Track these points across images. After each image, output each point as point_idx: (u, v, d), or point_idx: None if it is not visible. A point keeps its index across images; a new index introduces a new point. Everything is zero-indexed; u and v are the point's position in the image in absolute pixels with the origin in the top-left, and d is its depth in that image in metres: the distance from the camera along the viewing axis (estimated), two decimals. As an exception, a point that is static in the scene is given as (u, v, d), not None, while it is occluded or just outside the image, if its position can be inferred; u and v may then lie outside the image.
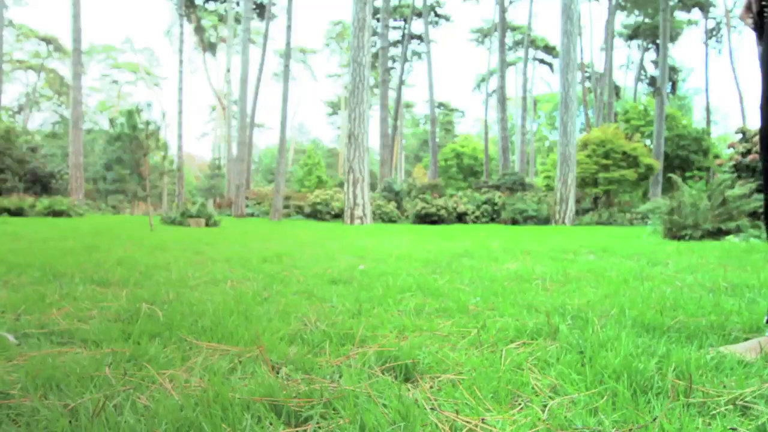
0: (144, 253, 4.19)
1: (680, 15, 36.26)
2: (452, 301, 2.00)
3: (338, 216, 21.37)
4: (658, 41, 36.52)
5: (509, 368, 1.15)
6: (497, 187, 24.28)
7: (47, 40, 42.03)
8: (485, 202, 21.32)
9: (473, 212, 20.83)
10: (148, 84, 50.63)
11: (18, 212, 16.65)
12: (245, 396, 0.95)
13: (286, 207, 23.75)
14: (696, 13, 36.63)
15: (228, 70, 31.17)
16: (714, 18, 36.23)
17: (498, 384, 1.05)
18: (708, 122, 33.38)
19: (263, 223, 16.09)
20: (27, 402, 0.94)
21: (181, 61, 27.70)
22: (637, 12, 37.10)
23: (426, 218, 19.27)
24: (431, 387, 1.04)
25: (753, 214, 8.19)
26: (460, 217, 20.55)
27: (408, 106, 52.35)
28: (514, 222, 19.67)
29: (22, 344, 1.40)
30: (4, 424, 0.87)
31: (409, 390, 1.03)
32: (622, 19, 38.23)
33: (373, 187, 23.31)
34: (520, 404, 0.96)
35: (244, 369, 1.17)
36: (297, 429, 0.83)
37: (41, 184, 23.39)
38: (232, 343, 1.38)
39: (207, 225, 14.00)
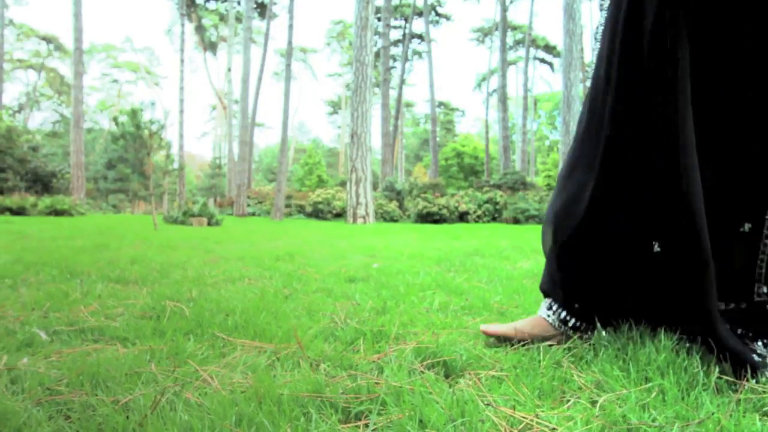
0: (155, 251, 4.18)
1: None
2: (476, 298, 2.00)
3: (340, 215, 21.36)
4: (658, 41, 36.50)
5: (549, 364, 1.15)
6: (498, 187, 24.29)
7: (48, 40, 42.00)
8: (487, 202, 21.33)
9: (475, 211, 20.84)
10: (148, 83, 50.61)
11: (20, 211, 16.64)
12: (293, 392, 0.95)
13: (287, 206, 23.75)
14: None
15: (229, 70, 31.16)
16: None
17: (542, 380, 1.05)
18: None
19: (266, 223, 16.09)
20: (75, 398, 0.94)
21: (182, 60, 27.68)
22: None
23: (428, 217, 19.28)
24: (474, 384, 1.03)
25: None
26: (462, 217, 20.56)
27: (408, 105, 52.35)
28: (516, 221, 19.68)
29: (54, 341, 1.40)
30: (56, 419, 0.87)
31: (452, 386, 1.03)
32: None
33: (374, 187, 23.32)
34: (568, 400, 0.96)
35: (283, 366, 1.17)
36: (356, 424, 0.83)
37: (42, 183, 23.37)
38: (264, 340, 1.38)
39: (209, 224, 14.01)
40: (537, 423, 0.83)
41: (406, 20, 36.33)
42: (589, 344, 1.31)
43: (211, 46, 40.90)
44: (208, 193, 35.54)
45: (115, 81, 50.49)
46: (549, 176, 25.39)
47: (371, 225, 13.95)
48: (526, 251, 4.50)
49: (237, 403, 0.87)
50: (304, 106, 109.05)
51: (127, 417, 0.83)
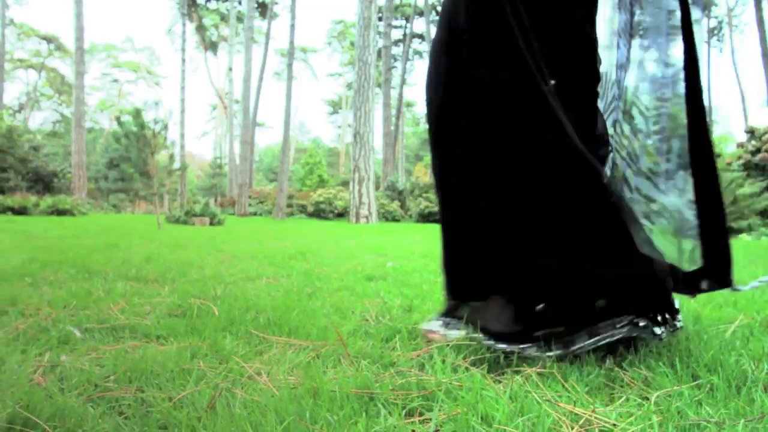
0: (166, 250, 4.18)
1: (681, 14, 36.24)
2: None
3: (341, 215, 21.35)
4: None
5: (591, 361, 1.15)
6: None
7: (48, 39, 41.96)
8: (488, 201, 21.29)
9: (477, 211, 20.80)
10: (148, 83, 50.58)
11: (22, 211, 16.61)
12: (343, 388, 0.95)
13: (288, 206, 23.73)
14: (696, 13, 36.61)
15: (230, 69, 31.13)
16: (716, 17, 36.28)
17: (588, 377, 1.05)
18: (710, 122, 33.40)
19: (268, 222, 16.08)
20: (127, 394, 0.94)
21: (183, 60, 27.66)
22: (638, 11, 37.07)
23: (429, 217, 19.25)
24: (524, 380, 1.03)
25: (763, 213, 8.20)
26: (464, 216, 20.50)
27: (409, 105, 52.32)
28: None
29: (86, 339, 1.40)
30: (110, 416, 0.87)
31: (500, 382, 1.03)
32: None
33: (376, 186, 23.31)
34: (620, 396, 0.96)
35: (324, 363, 1.16)
36: (419, 419, 0.83)
37: (43, 183, 23.35)
38: (299, 337, 1.37)
39: (211, 224, 13.98)
40: (596, 419, 0.83)
41: (407, 20, 36.32)
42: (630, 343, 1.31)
43: (211, 46, 40.89)
44: (208, 193, 35.53)
45: (116, 81, 50.46)
46: (550, 176, 25.44)
47: (374, 224, 13.95)
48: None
49: (298, 399, 0.87)
50: (305, 105, 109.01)
51: (188, 413, 0.83)
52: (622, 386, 1.02)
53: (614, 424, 0.81)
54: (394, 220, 20.06)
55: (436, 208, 13.91)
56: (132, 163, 10.85)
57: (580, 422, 0.82)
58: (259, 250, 4.43)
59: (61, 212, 17.12)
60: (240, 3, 34.25)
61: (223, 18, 38.28)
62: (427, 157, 43.29)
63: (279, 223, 14.79)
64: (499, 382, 1.03)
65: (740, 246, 4.96)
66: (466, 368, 1.09)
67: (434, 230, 10.46)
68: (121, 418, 0.86)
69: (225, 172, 37.02)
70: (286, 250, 4.34)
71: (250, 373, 1.04)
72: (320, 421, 0.78)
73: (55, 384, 1.00)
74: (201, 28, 39.09)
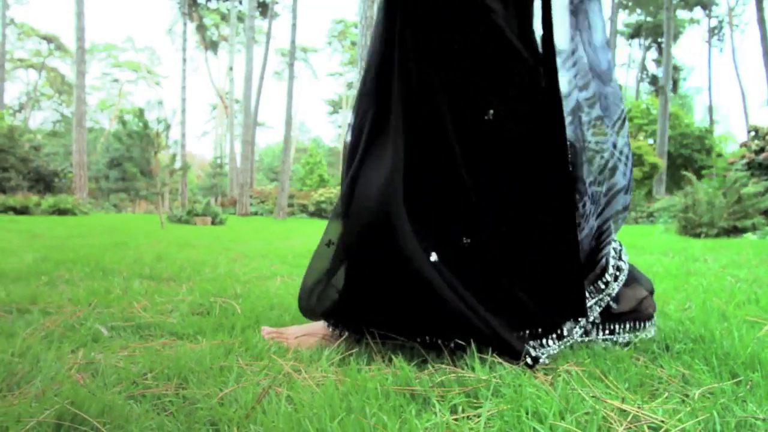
0: (174, 249, 4.18)
1: (682, 14, 36.31)
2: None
3: (343, 214, 21.32)
4: (659, 40, 36.56)
5: (626, 357, 1.14)
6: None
7: (48, 39, 41.93)
8: (490, 201, 21.31)
9: (478, 211, 20.81)
10: (149, 83, 50.55)
11: (23, 210, 16.60)
12: (384, 385, 0.95)
13: (289, 206, 23.74)
14: (698, 12, 36.72)
15: (231, 69, 31.12)
16: (716, 17, 36.29)
17: (625, 374, 1.05)
18: (711, 121, 33.45)
19: (270, 222, 16.08)
20: (169, 391, 0.93)
21: (184, 60, 27.65)
22: (639, 11, 37.14)
23: (431, 217, 19.24)
24: (565, 377, 1.03)
25: (767, 212, 8.21)
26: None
27: (409, 104, 52.21)
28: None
29: (114, 336, 1.40)
30: (153, 413, 0.86)
31: (537, 378, 1.02)
32: (623, 18, 38.26)
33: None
34: (661, 393, 0.96)
35: (357, 360, 1.16)
36: (463, 415, 0.83)
37: (44, 182, 23.31)
38: (327, 335, 1.37)
39: (213, 223, 13.99)
40: (644, 415, 0.83)
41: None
42: (658, 337, 1.30)
43: (212, 46, 40.87)
44: (209, 193, 35.54)
45: (116, 80, 50.43)
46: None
47: (377, 224, 13.92)
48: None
49: (347, 395, 0.87)
50: (305, 105, 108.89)
51: (235, 411, 0.82)
52: (660, 383, 1.02)
53: (662, 421, 0.81)
54: (396, 219, 20.01)
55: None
56: (135, 163, 10.85)
57: (628, 419, 0.82)
58: (268, 249, 4.43)
59: (62, 212, 17.11)
60: (240, 2, 34.24)
61: (224, 17, 38.27)
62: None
63: (281, 223, 14.81)
64: (534, 378, 1.03)
65: (748, 245, 4.96)
66: (500, 363, 1.09)
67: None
68: (165, 415, 0.86)
69: (225, 172, 37.02)
70: (295, 249, 4.34)
71: (287, 370, 1.04)
72: (371, 416, 0.78)
73: (93, 381, 0.99)
74: (201, 28, 39.08)
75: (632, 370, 1.07)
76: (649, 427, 0.81)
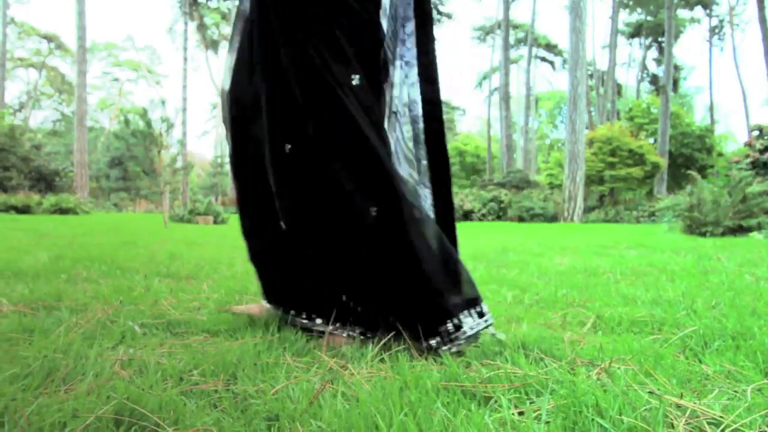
0: (184, 248, 4.17)
1: (682, 13, 36.31)
2: (544, 292, 1.99)
3: (344, 214, 21.30)
4: (660, 39, 36.57)
5: (669, 353, 1.14)
6: (503, 185, 24.30)
7: (48, 38, 41.88)
8: (491, 200, 21.34)
9: (479, 210, 20.85)
10: (149, 82, 50.50)
11: (25, 209, 16.57)
12: (434, 381, 0.94)
13: (291, 205, 23.73)
14: (698, 11, 36.72)
15: (231, 68, 30.99)
16: (717, 16, 36.30)
17: (671, 370, 1.04)
18: (712, 120, 33.46)
19: (272, 221, 16.02)
20: (218, 388, 0.93)
21: (185, 59, 27.62)
22: (639, 10, 37.13)
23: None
24: (616, 373, 1.03)
25: (772, 211, 8.20)
26: (466, 215, 20.56)
27: (409, 104, 52.18)
28: (521, 219, 19.69)
29: (147, 334, 1.39)
30: (206, 409, 0.86)
31: (583, 375, 1.02)
32: (624, 17, 38.26)
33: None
34: (711, 390, 0.95)
35: (398, 356, 1.16)
36: (517, 411, 0.82)
37: (45, 181, 23.29)
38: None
39: (215, 222, 13.97)
40: (702, 411, 0.83)
41: (408, 19, 36.22)
42: (696, 334, 1.30)
43: (212, 45, 40.82)
44: (209, 192, 35.52)
45: (116, 80, 50.37)
46: (551, 175, 25.36)
47: (380, 223, 13.93)
48: (553, 248, 4.50)
49: (402, 391, 0.87)
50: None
51: (295, 406, 0.82)
52: (707, 380, 1.02)
53: (721, 416, 0.81)
54: (397, 218, 20.00)
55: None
56: (139, 162, 10.83)
57: (686, 414, 0.82)
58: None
59: (64, 211, 17.09)
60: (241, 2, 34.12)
61: (224, 16, 38.23)
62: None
63: (283, 222, 14.74)
64: (571, 374, 1.03)
65: (758, 245, 4.96)
66: (541, 359, 1.09)
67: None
68: (219, 410, 0.86)
69: (226, 171, 37.00)
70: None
71: (332, 366, 1.04)
72: (435, 411, 0.78)
73: (139, 378, 0.99)
74: (202, 27, 39.03)
75: (678, 366, 1.06)
76: (708, 423, 0.80)
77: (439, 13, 37.27)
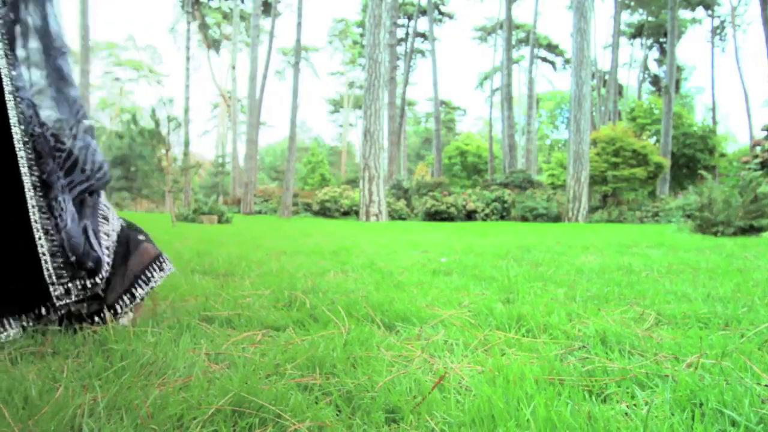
0: (207, 246, 4.16)
1: (684, 14, 36.34)
2: (592, 289, 1.99)
3: (347, 213, 21.34)
4: (661, 40, 36.61)
5: (749, 349, 1.14)
6: (506, 185, 24.30)
7: (49, 37, 41.69)
8: (495, 200, 21.33)
9: (483, 210, 20.83)
10: (150, 82, 50.45)
11: (29, 209, 16.51)
12: (533, 374, 0.94)
13: (294, 204, 23.70)
14: (700, 12, 36.75)
15: (233, 68, 31.07)
16: (719, 16, 36.34)
17: (759, 364, 1.04)
18: (714, 121, 33.49)
19: (276, 221, 16.04)
20: (318, 381, 0.92)
21: (188, 58, 27.59)
22: (641, 10, 37.17)
23: (436, 216, 19.26)
24: (717, 369, 1.02)
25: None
26: (470, 215, 20.55)
27: (410, 104, 52.31)
28: (524, 219, 19.68)
29: (211, 329, 1.38)
30: (321, 402, 0.85)
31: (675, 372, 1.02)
32: (625, 18, 38.28)
33: (382, 185, 23.27)
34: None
35: (475, 352, 1.15)
36: (623, 405, 0.82)
37: (48, 181, 23.23)
38: (411, 324, 1.36)
39: (219, 222, 13.94)
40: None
41: (409, 19, 36.31)
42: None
43: (214, 44, 40.79)
44: (211, 192, 35.47)
45: (117, 79, 50.32)
46: (553, 175, 25.37)
47: (386, 223, 13.93)
48: (574, 247, 4.49)
49: (509, 384, 0.86)
50: (306, 104, 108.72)
51: (410, 399, 0.81)
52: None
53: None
54: (401, 218, 20.05)
55: (442, 207, 13.86)
56: (146, 161, 10.82)
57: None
58: (297, 246, 4.42)
59: (68, 210, 17.02)
60: (242, 1, 34.18)
61: (226, 16, 38.22)
62: (430, 156, 43.41)
63: (288, 222, 14.76)
64: (666, 368, 1.02)
65: (764, 244, 4.96)
66: (630, 353, 1.08)
67: (450, 228, 10.43)
68: (326, 404, 0.85)
69: (227, 171, 36.97)
70: (322, 246, 4.33)
71: (424, 357, 1.03)
72: (553, 407, 0.77)
73: (229, 371, 0.98)
74: (203, 27, 39.00)
75: (767, 360, 1.06)
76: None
77: (441, 13, 37.29)
